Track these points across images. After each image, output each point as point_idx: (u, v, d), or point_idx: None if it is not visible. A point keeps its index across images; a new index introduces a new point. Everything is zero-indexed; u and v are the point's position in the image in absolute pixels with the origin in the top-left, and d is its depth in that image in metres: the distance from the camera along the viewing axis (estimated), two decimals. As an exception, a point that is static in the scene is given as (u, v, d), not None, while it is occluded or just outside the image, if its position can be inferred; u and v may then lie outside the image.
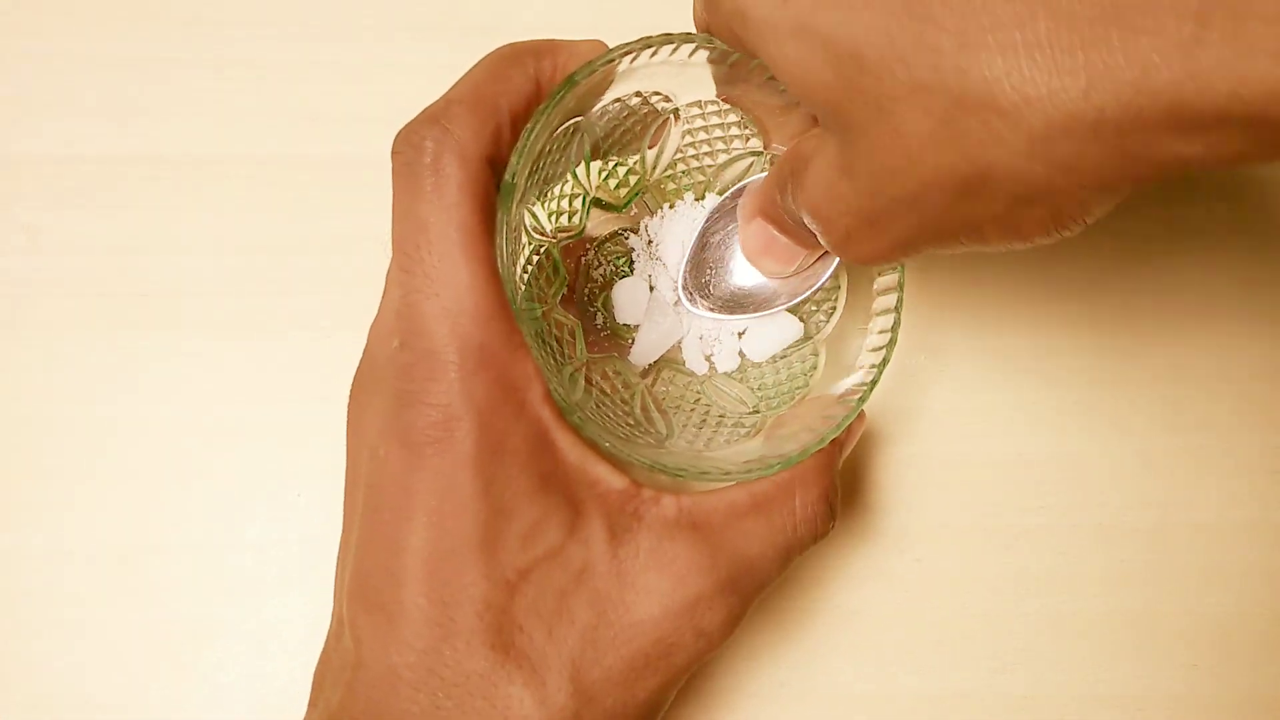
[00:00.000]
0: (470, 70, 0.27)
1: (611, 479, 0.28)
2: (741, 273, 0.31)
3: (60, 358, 0.37)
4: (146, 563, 0.36)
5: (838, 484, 0.30)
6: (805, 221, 0.26)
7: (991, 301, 0.38)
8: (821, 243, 0.26)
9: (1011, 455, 0.37)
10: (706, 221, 0.31)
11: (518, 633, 0.26)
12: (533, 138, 0.26)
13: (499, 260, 0.26)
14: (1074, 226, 0.21)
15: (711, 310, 0.31)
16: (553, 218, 0.32)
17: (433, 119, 0.26)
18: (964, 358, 0.38)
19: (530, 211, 0.31)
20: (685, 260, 0.32)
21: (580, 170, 0.32)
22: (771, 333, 0.33)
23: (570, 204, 0.32)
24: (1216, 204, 0.39)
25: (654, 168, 0.33)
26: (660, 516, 0.27)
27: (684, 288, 0.32)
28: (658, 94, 0.31)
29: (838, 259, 0.30)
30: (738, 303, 0.31)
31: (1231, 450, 0.37)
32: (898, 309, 0.30)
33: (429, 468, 0.25)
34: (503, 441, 0.26)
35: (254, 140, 0.38)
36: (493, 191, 0.26)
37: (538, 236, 0.32)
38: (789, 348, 0.33)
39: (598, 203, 0.33)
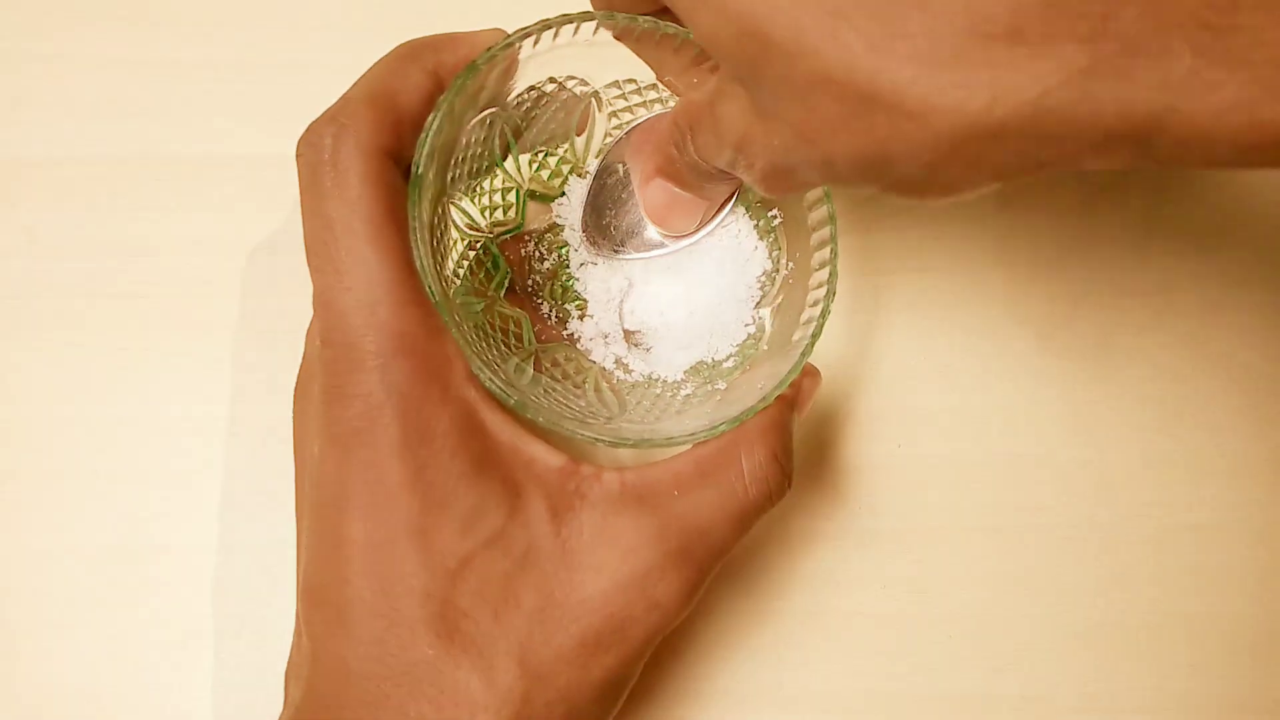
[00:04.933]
0: (369, 69, 0.28)
1: (548, 457, 0.28)
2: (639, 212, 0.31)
3: (60, 358, 0.37)
4: (146, 563, 0.36)
5: (790, 444, 0.30)
6: (722, 161, 0.25)
7: (991, 302, 0.38)
8: (741, 176, 0.25)
9: (1011, 456, 0.37)
10: (600, 165, 0.32)
11: (463, 619, 0.26)
12: (435, 129, 0.27)
13: (415, 252, 0.26)
14: (967, 195, 0.23)
15: (616, 251, 0.31)
16: (486, 213, 0.32)
17: (330, 118, 0.26)
18: (964, 358, 0.38)
19: (459, 208, 0.31)
20: (584, 203, 0.32)
21: (509, 163, 0.32)
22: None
23: (504, 198, 0.33)
24: (1216, 203, 0.39)
25: (585, 154, 0.33)
26: (604, 492, 0.27)
27: (584, 231, 0.32)
28: (573, 78, 0.31)
29: (734, 200, 0.30)
30: (642, 242, 0.31)
31: (1232, 450, 0.37)
32: (833, 259, 0.29)
33: (358, 460, 0.26)
34: (429, 427, 0.26)
35: (254, 140, 0.38)
36: (398, 184, 0.26)
37: (471, 232, 0.32)
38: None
39: (533, 195, 0.33)
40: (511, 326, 0.32)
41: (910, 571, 0.36)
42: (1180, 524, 0.37)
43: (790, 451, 0.30)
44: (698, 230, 0.31)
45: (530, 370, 0.31)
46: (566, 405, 0.30)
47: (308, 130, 0.26)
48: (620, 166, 0.31)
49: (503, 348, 0.31)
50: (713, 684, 0.35)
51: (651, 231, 0.31)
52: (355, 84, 0.27)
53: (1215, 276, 0.38)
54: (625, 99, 0.32)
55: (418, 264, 0.26)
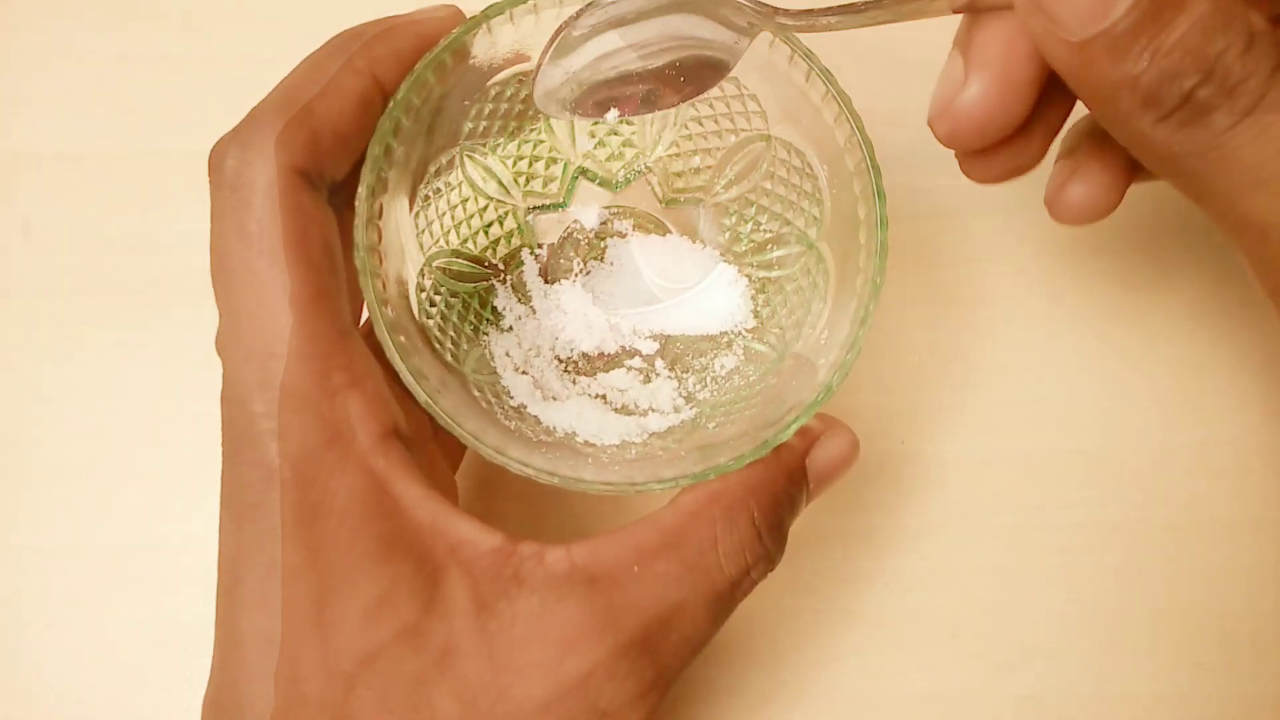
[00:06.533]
0: (292, 70, 0.24)
1: (479, 537, 0.23)
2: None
3: (58, 355, 0.36)
4: (146, 562, 0.35)
5: (781, 513, 0.24)
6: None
7: (996, 299, 0.38)
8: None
9: (1015, 453, 0.37)
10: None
11: None
12: (400, 102, 0.23)
13: (363, 274, 0.22)
14: None
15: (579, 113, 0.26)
16: (521, 180, 0.29)
17: (235, 135, 0.23)
18: (967, 355, 0.38)
19: (481, 164, 0.28)
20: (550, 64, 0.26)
21: (563, 132, 0.28)
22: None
23: (546, 169, 0.29)
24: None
25: (655, 143, 0.29)
26: (546, 575, 0.22)
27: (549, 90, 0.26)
28: None
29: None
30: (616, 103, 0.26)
31: (1238, 447, 0.37)
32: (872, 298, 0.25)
33: (250, 538, 0.22)
34: (326, 501, 0.22)
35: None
36: (309, 208, 0.23)
37: (494, 197, 0.28)
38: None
39: (585, 174, 0.30)
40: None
41: (913, 569, 0.36)
42: (1186, 521, 0.36)
43: (780, 522, 0.24)
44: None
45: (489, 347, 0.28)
46: (547, 382, 0.27)
47: (213, 149, 0.23)
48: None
49: (471, 327, 0.28)
50: (716, 683, 0.35)
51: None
52: (273, 90, 0.24)
53: (1223, 273, 0.38)
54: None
55: (359, 263, 0.22)
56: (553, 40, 0.24)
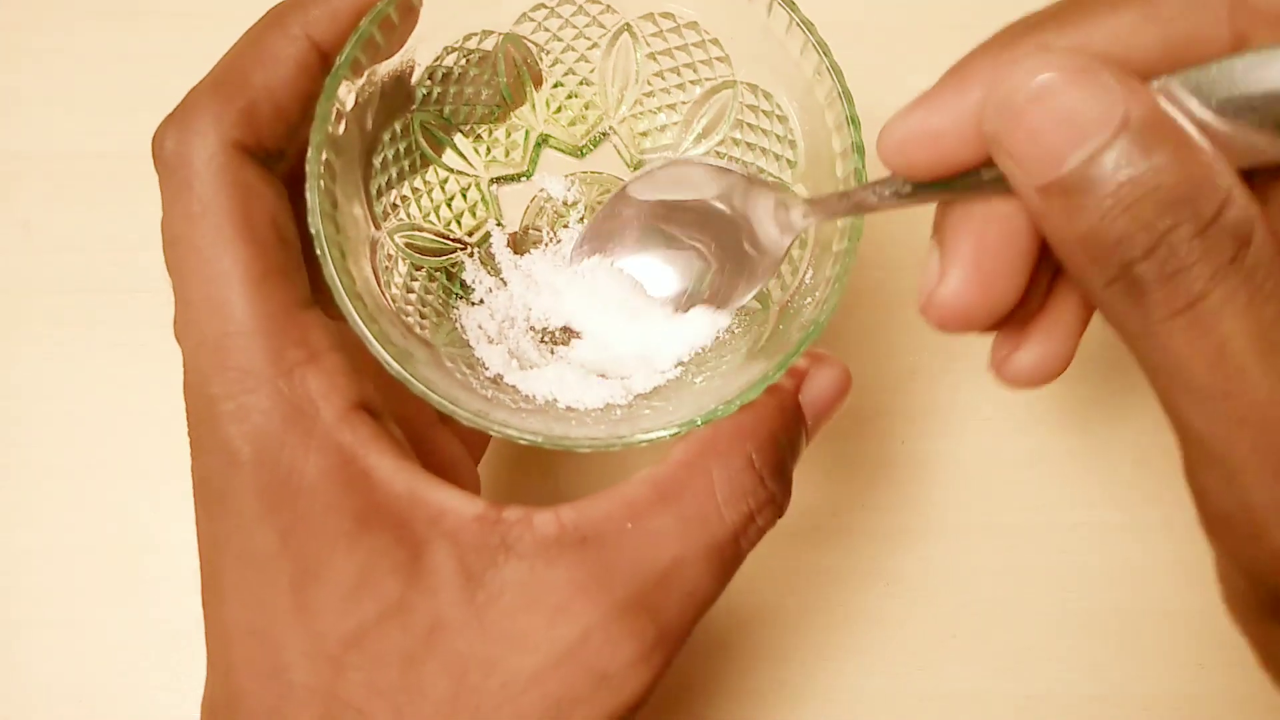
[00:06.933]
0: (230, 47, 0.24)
1: (461, 506, 0.22)
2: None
3: (55, 353, 0.36)
4: (146, 562, 0.35)
5: (781, 453, 0.23)
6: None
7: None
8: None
9: (1015, 453, 0.37)
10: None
11: (355, 717, 0.20)
12: (345, 61, 0.23)
13: (320, 248, 0.22)
14: None
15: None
16: (482, 151, 0.28)
17: (172, 117, 0.23)
18: (969, 355, 0.37)
19: (441, 137, 0.27)
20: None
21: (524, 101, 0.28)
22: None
23: (508, 137, 0.28)
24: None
25: (618, 104, 0.28)
26: (535, 541, 0.21)
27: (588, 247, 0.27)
28: (597, 2, 0.26)
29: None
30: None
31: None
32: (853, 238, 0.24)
33: (221, 528, 0.21)
34: (293, 481, 0.21)
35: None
36: (252, 183, 0.22)
37: (455, 171, 0.28)
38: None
39: (549, 141, 0.29)
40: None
41: (914, 569, 0.36)
42: (1187, 520, 0.36)
43: (781, 462, 0.23)
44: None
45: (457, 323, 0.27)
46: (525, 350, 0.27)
47: (154, 135, 0.23)
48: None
49: (439, 300, 0.27)
50: (716, 682, 0.35)
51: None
52: (212, 68, 0.24)
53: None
54: (664, 38, 0.27)
55: (313, 228, 0.22)
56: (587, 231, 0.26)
